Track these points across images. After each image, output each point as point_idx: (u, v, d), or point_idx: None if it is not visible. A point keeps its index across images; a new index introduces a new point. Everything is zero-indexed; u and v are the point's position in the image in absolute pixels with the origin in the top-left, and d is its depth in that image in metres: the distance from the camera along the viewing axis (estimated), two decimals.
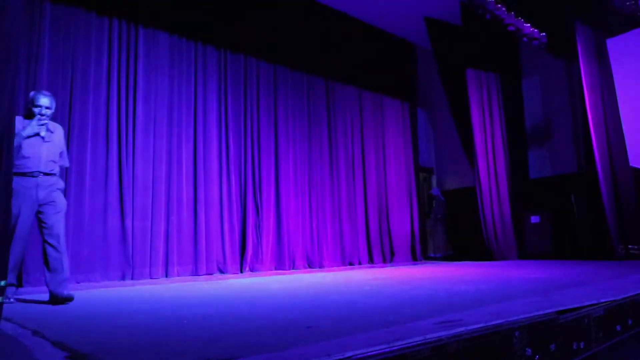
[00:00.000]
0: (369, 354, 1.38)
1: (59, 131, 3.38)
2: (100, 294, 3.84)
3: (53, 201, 3.19)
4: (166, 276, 5.39)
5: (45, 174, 3.19)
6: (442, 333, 1.59)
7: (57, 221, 3.18)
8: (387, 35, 8.63)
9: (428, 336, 1.54)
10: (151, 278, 5.23)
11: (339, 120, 7.76)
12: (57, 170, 3.31)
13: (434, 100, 9.50)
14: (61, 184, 3.34)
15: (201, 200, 5.84)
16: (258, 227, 6.39)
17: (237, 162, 6.35)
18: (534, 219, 7.63)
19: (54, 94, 3.57)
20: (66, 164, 3.53)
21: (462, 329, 1.66)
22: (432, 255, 8.68)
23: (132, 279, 5.10)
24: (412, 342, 1.49)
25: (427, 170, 9.57)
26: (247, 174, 6.42)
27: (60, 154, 3.38)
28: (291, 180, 6.92)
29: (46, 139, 3.22)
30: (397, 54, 8.85)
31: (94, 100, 5.16)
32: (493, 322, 1.77)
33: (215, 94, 6.24)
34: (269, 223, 6.50)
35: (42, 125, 3.20)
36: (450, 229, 8.78)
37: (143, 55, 5.59)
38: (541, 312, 1.98)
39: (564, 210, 7.26)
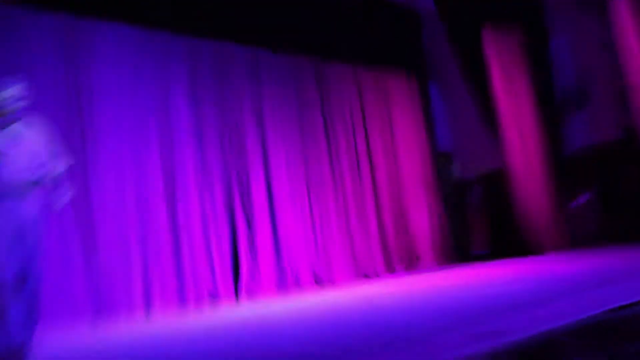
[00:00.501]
0: None
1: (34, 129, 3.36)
2: (66, 345, 3.86)
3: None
4: (147, 313, 5.39)
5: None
6: (479, 346, 1.65)
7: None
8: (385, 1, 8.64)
9: (463, 350, 1.60)
10: (129, 318, 5.20)
11: (334, 107, 7.77)
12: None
13: (446, 72, 9.52)
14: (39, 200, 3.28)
15: (180, 217, 5.86)
16: (251, 242, 6.41)
17: (218, 168, 6.35)
18: (578, 200, 7.68)
19: None
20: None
21: (502, 339, 1.71)
22: (473, 253, 8.64)
23: (105, 322, 5.04)
24: None
25: (446, 155, 9.61)
26: (232, 181, 6.44)
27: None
28: (285, 182, 6.93)
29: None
30: (398, 22, 8.84)
31: (41, 106, 5.17)
32: (538, 329, 1.83)
33: (187, 90, 6.24)
34: (263, 236, 6.51)
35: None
36: (482, 221, 8.78)
37: (98, 52, 5.59)
38: (593, 312, 2.04)
39: (612, 186, 7.29)
